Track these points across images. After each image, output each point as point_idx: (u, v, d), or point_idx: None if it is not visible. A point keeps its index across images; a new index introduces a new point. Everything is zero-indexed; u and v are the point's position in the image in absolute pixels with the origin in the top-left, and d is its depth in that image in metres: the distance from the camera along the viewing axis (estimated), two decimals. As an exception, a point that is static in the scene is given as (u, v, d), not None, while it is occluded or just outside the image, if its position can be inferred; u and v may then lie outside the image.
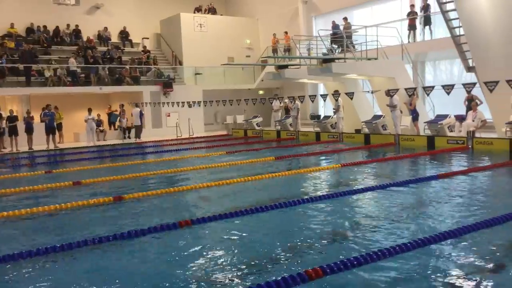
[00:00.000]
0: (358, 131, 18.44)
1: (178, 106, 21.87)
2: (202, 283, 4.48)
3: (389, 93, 15.63)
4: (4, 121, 18.64)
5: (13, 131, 18.45)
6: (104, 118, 23.03)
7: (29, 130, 18.82)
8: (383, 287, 4.26)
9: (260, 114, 24.38)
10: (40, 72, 21.78)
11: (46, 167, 13.50)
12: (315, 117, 24.07)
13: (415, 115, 16.37)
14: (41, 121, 19.39)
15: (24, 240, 6.16)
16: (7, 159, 16.19)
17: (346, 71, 17.76)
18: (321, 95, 19.32)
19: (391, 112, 16.45)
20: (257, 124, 23.36)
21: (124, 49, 26.63)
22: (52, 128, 19.25)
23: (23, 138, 18.76)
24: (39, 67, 21.94)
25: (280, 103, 23.26)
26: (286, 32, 24.67)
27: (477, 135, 14.47)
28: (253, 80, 26.86)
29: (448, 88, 12.59)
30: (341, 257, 4.79)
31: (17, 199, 9.02)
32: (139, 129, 21.89)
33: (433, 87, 14.09)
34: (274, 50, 24.12)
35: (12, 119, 18.66)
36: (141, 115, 21.82)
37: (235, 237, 5.95)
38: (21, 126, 18.76)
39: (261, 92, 27.00)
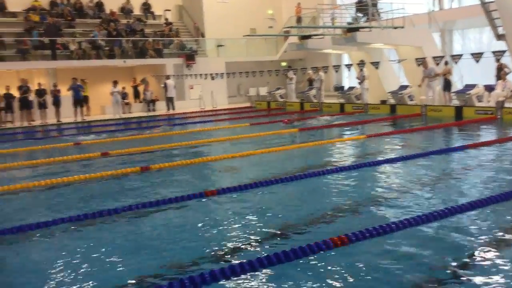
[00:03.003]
0: (383, 102, 18.19)
1: (201, 78, 21.90)
2: (228, 250, 4.59)
3: (425, 64, 15.29)
4: (33, 94, 19.05)
5: (42, 104, 18.89)
6: (129, 90, 23.26)
7: (57, 103, 19.20)
8: (405, 256, 4.28)
9: (283, 86, 24.23)
10: (65, 46, 22.00)
11: (74, 139, 13.79)
12: (339, 88, 23.81)
13: (447, 85, 15.98)
14: (68, 90, 19.57)
15: (55, 209, 6.36)
16: (37, 131, 16.62)
17: (372, 41, 17.42)
18: (345, 65, 19.06)
19: (430, 82, 15.97)
20: (280, 96, 23.24)
21: (146, 22, 26.60)
22: (79, 100, 19.59)
23: (51, 110, 19.20)
24: (63, 40, 22.14)
25: (294, 74, 22.94)
26: None
27: (506, 105, 14.10)
28: (276, 52, 26.60)
29: (477, 57, 12.27)
30: (364, 226, 4.80)
31: (47, 169, 9.29)
32: (173, 101, 22.12)
33: (461, 55, 13.76)
34: (298, 20, 23.73)
35: (40, 92, 19.03)
36: (174, 86, 22.12)
37: (260, 207, 6.02)
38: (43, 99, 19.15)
39: (284, 63, 26.75)
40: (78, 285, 3.94)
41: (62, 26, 23.15)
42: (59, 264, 4.39)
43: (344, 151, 10.11)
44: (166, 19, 27.05)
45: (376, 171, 7.80)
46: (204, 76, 21.77)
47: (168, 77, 22.45)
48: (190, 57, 24.08)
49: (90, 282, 3.99)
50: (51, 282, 4.03)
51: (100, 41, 22.43)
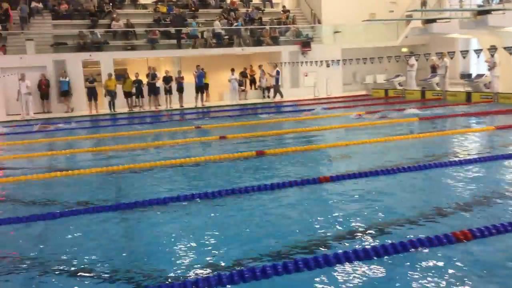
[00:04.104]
0: (517, 91, 16.51)
1: (316, 65, 21.76)
2: (341, 236, 4.55)
3: None
4: (160, 81, 20.54)
5: (168, 90, 20.33)
6: (246, 78, 23.91)
7: (180, 89, 20.48)
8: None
9: (403, 73, 23.12)
10: (189, 35, 23.27)
11: (196, 123, 14.63)
12: (466, 75, 22.10)
13: None
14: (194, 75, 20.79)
15: (177, 186, 6.83)
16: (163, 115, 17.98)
17: (505, 24, 15.87)
18: (474, 51, 17.62)
19: None
20: (399, 83, 22.25)
21: (264, 10, 27.07)
22: (201, 87, 20.70)
23: (175, 96, 20.55)
24: (188, 30, 23.44)
25: (416, 60, 21.68)
26: None
27: None
28: (396, 37, 25.44)
29: None
30: (486, 223, 4.45)
31: (172, 149, 10.01)
32: (279, 88, 22.43)
33: None
34: (423, 3, 22.36)
35: (167, 79, 20.46)
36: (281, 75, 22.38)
37: (373, 196, 5.87)
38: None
39: (404, 49, 25.47)
40: (194, 254, 4.23)
41: (186, 16, 24.52)
42: (181, 235, 4.75)
43: (468, 143, 9.40)
44: (284, 7, 27.26)
45: (504, 165, 7.15)
46: (320, 63, 21.59)
47: (276, 65, 22.65)
48: (305, 44, 24.02)
49: (206, 254, 4.25)
50: (176, 250, 4.38)
51: (220, 29, 23.33)
